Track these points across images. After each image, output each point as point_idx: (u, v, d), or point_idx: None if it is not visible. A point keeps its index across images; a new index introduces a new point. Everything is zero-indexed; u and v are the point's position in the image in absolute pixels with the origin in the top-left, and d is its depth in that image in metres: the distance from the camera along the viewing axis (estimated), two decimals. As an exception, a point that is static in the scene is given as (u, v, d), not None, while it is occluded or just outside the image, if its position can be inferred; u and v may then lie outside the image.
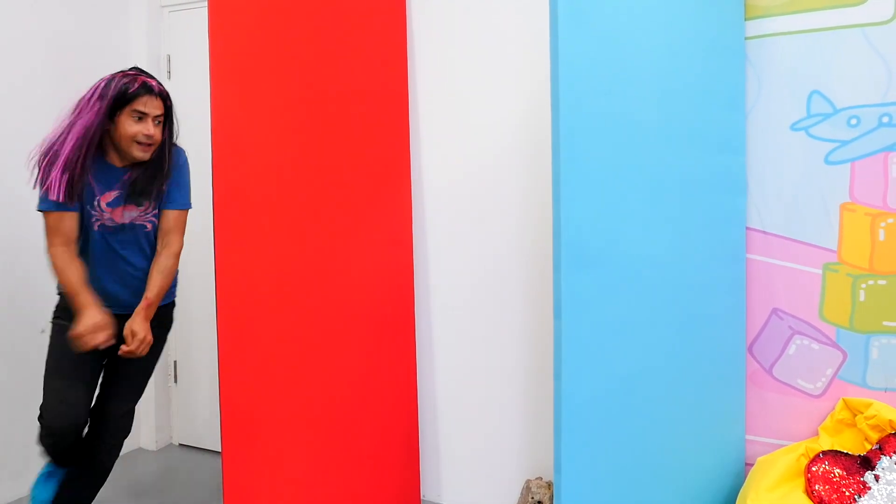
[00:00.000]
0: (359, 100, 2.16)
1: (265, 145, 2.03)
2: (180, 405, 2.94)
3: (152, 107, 1.80)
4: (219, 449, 2.09)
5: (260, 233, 1.99)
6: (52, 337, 1.90)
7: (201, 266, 2.78)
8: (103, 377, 1.98)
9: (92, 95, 1.76)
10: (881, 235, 1.67)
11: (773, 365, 1.81)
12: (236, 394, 2.01)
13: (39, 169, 1.76)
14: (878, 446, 1.59)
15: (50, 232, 1.80)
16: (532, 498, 2.04)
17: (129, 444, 2.86)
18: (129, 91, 1.77)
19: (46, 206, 1.76)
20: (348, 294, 2.14)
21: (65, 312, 1.87)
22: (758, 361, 1.83)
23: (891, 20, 1.61)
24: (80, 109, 1.76)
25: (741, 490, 1.66)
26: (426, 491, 2.38)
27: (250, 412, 2.03)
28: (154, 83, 1.82)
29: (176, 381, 2.94)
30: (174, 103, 1.97)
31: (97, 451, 1.98)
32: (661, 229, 1.61)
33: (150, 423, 2.90)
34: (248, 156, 2.02)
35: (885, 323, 1.68)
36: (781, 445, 1.75)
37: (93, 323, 1.75)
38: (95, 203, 1.83)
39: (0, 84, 2.40)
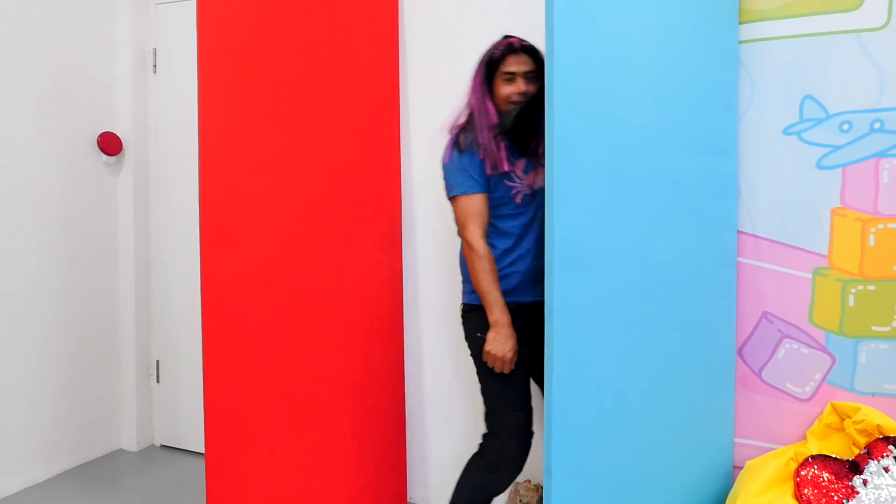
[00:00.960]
0: (349, 95, 2.14)
1: (253, 142, 2.00)
2: (162, 405, 2.89)
3: (518, 64, 1.73)
4: (202, 450, 2.06)
5: (246, 230, 1.96)
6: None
7: (185, 263, 2.75)
8: None
9: (476, 69, 1.78)
10: (871, 241, 1.68)
11: (762, 368, 1.81)
12: (221, 394, 1.97)
13: (469, 151, 1.70)
14: (866, 451, 1.59)
15: (470, 219, 1.69)
16: (521, 501, 2.03)
17: (108, 446, 2.82)
18: (494, 56, 1.74)
19: (468, 189, 1.68)
20: (335, 293, 2.11)
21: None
22: (747, 364, 1.83)
23: (885, 26, 1.62)
24: (472, 86, 1.77)
25: (730, 494, 1.66)
26: (413, 494, 2.36)
27: (235, 413, 2.00)
28: (515, 41, 1.75)
29: (158, 380, 2.89)
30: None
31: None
32: (652, 232, 1.60)
33: (130, 424, 2.85)
34: (236, 153, 1.99)
35: (873, 328, 1.69)
36: (770, 449, 1.75)
37: (513, 344, 1.67)
38: (513, 174, 1.73)
39: (-20, 75, 2.34)
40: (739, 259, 1.82)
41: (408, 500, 2.32)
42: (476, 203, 1.68)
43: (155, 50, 2.84)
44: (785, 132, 1.75)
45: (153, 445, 2.90)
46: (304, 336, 2.05)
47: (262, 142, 1.99)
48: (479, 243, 1.67)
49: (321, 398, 2.07)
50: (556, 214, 1.43)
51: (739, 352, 1.84)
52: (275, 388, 1.97)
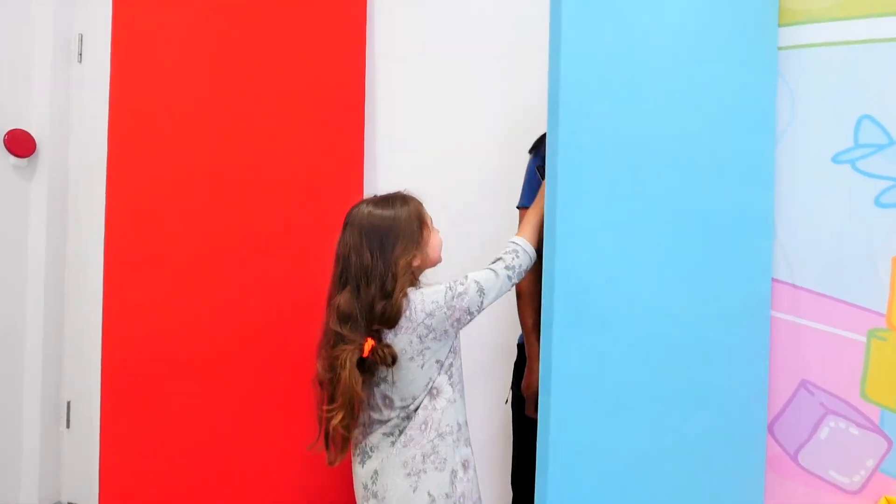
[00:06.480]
0: (302, 92, 1.87)
1: (174, 145, 1.71)
2: (72, 455, 2.50)
3: None
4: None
5: (162, 247, 1.67)
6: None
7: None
8: None
9: None
10: (941, 298, 1.38)
11: (799, 450, 1.51)
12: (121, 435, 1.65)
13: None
14: (933, 562, 1.28)
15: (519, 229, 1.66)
16: None
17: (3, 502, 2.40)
18: None
19: (523, 203, 1.63)
20: (284, 323, 1.78)
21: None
22: (780, 444, 1.53)
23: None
24: None
25: None
26: None
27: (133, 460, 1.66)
28: None
29: (68, 425, 2.49)
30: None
31: None
32: (670, 278, 1.34)
33: (32, 477, 2.44)
34: (154, 160, 1.67)
35: (941, 406, 1.39)
36: (807, 550, 1.45)
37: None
38: None
39: None
40: (774, 313, 1.53)
41: None
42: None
43: (81, 36, 2.50)
44: (835, 160, 1.45)
45: (59, 503, 2.51)
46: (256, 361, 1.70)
47: (186, 144, 1.72)
48: None
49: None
50: (559, 257, 1.17)
51: (771, 428, 1.54)
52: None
